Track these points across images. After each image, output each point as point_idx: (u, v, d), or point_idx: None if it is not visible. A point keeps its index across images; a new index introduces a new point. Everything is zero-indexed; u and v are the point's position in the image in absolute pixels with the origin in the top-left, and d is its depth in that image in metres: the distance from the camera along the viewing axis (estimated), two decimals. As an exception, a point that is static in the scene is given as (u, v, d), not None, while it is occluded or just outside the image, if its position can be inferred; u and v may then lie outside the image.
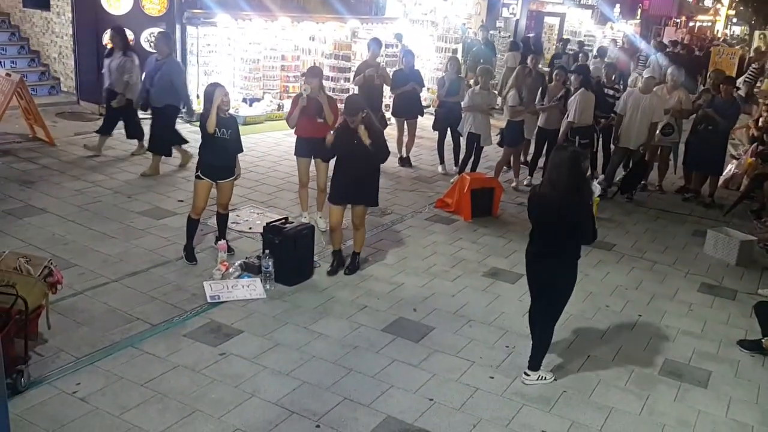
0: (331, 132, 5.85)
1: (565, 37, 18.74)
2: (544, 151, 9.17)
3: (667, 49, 17.49)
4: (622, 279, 6.42)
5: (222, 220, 6.13)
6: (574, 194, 4.19)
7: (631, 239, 7.57)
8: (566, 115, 8.63)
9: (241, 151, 5.99)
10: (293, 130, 6.85)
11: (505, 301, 5.76)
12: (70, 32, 11.05)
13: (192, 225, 5.93)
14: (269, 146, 10.14)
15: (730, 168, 10.01)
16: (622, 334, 5.38)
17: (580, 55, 13.63)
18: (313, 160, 6.86)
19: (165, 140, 8.32)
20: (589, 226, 4.28)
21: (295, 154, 6.94)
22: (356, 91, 9.19)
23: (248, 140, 10.17)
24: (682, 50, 20.15)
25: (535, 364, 4.58)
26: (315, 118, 6.61)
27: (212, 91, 5.66)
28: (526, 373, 4.58)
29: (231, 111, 11.47)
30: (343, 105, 5.67)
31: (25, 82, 9.09)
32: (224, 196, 5.99)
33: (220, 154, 5.79)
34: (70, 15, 10.95)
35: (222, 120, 5.69)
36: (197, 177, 5.81)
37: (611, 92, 9.33)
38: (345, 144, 5.65)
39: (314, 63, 12.24)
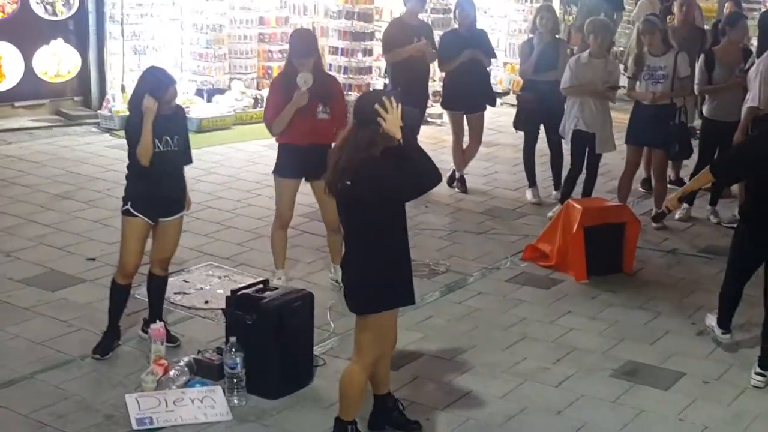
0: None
1: None
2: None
3: None
4: None
5: (158, 286, 6.13)
6: None
7: None
8: (746, 99, 8.42)
9: (190, 162, 6.12)
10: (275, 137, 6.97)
11: (654, 422, 5.54)
12: None
13: (119, 296, 5.97)
14: (240, 166, 10.23)
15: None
16: None
17: None
18: (308, 184, 6.93)
19: None
20: None
21: (275, 173, 7.00)
22: (386, 70, 9.22)
23: (207, 157, 10.27)
24: None
25: None
26: (315, 112, 6.67)
27: (147, 87, 5.66)
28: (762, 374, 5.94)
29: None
30: (353, 109, 5.17)
31: None
32: (168, 245, 6.03)
33: (166, 177, 5.83)
34: None
35: (163, 121, 5.65)
36: (127, 213, 5.83)
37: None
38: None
39: (308, 25, 12.24)
